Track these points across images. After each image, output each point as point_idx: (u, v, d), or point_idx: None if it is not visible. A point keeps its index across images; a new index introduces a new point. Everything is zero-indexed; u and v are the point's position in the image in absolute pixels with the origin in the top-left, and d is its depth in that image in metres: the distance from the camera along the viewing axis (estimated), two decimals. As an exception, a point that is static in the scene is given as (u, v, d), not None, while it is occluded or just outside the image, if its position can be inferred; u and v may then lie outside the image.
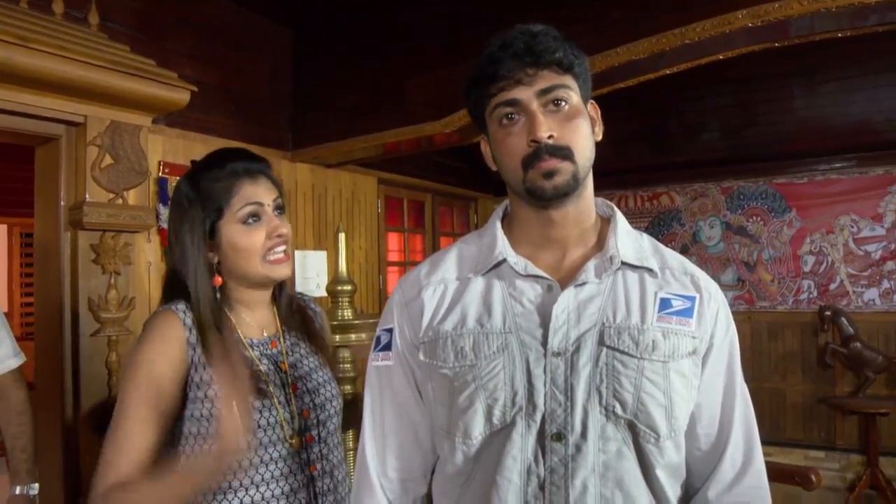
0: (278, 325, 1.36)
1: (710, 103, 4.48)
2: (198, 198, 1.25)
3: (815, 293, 4.58)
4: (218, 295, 1.28)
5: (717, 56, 2.52)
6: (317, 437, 1.30)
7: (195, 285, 1.24)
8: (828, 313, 4.36)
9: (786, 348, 4.63)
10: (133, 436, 1.15)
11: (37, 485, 1.79)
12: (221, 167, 1.27)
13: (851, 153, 4.43)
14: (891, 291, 4.37)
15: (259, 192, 1.26)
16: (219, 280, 1.28)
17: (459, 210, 5.40)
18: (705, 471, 0.95)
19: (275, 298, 1.38)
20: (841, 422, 4.46)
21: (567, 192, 0.92)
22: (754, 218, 4.78)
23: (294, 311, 1.40)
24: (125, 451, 1.14)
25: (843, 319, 4.33)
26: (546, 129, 0.89)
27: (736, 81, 4.19)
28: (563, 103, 0.92)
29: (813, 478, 2.35)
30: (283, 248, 1.27)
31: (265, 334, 1.33)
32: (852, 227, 4.48)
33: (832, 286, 4.54)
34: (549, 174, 0.90)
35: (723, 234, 4.88)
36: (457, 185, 5.15)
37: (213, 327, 1.22)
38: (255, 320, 1.32)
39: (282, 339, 1.34)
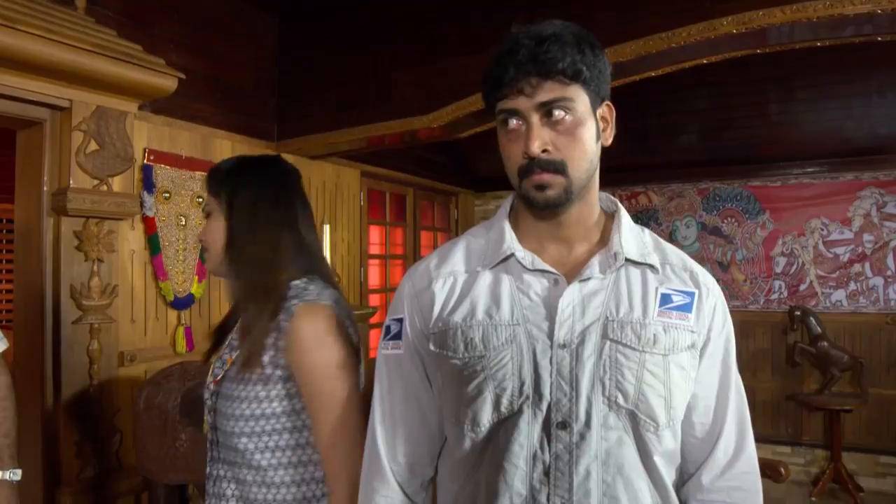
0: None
1: (689, 106, 4.56)
2: None
3: (786, 293, 4.71)
4: None
5: (701, 60, 2.57)
6: (216, 443, 1.33)
7: None
8: (797, 313, 4.49)
9: (756, 346, 4.76)
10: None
11: (20, 471, 1.77)
12: None
13: (823, 158, 4.55)
14: (857, 293, 4.52)
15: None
16: None
17: (440, 205, 5.42)
18: (700, 457, 1.00)
19: None
20: (807, 418, 4.60)
21: (558, 205, 0.94)
22: (729, 219, 4.90)
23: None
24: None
25: (812, 319, 4.46)
26: (540, 145, 0.90)
27: (715, 85, 4.27)
28: (564, 116, 0.91)
29: (782, 471, 2.44)
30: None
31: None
32: (822, 230, 4.61)
33: (802, 287, 4.67)
34: (541, 187, 0.92)
35: (698, 235, 4.99)
36: (438, 179, 5.17)
37: None
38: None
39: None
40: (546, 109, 0.91)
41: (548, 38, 0.90)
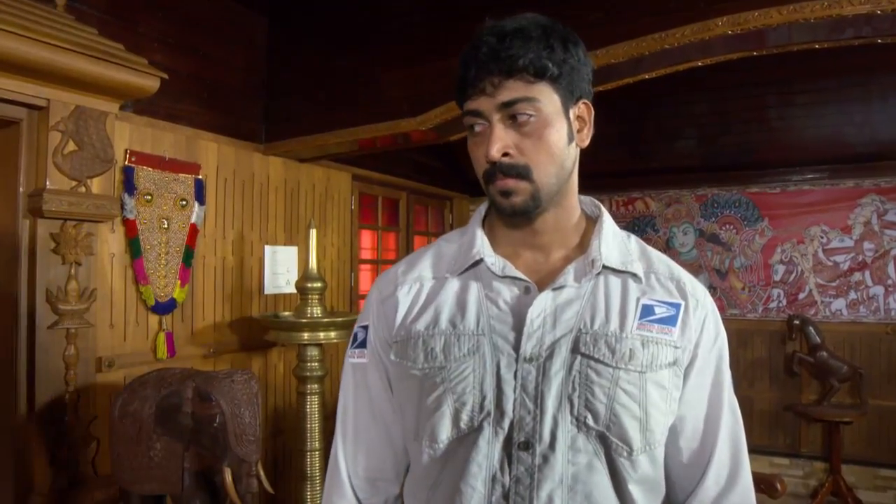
0: None
1: (687, 111, 4.50)
2: None
3: (785, 302, 4.63)
4: None
5: (696, 63, 2.51)
6: None
7: None
8: (796, 322, 4.41)
9: (754, 356, 4.67)
10: None
11: None
12: None
13: (823, 165, 4.48)
14: (857, 302, 4.44)
15: None
16: None
17: (435, 209, 5.36)
18: (689, 485, 0.92)
19: None
20: (805, 429, 4.51)
21: (526, 212, 0.88)
22: (727, 226, 4.82)
23: None
24: None
25: (811, 329, 4.38)
26: (500, 148, 0.84)
27: (712, 90, 4.21)
28: (529, 117, 0.84)
29: (778, 486, 2.36)
30: None
31: None
32: (822, 237, 4.54)
33: (801, 295, 4.60)
34: (506, 193, 0.86)
35: (696, 241, 4.91)
36: (433, 183, 5.11)
37: None
38: None
39: None
40: (508, 111, 0.84)
41: (510, 33, 0.83)
